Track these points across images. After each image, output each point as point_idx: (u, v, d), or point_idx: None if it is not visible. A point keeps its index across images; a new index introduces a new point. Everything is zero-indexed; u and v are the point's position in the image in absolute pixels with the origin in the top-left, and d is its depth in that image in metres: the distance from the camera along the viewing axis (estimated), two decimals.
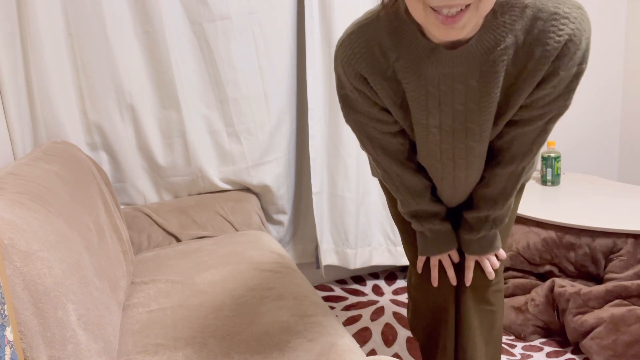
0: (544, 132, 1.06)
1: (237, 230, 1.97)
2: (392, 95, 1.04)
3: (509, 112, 1.02)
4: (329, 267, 2.45)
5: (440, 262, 1.31)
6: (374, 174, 1.39)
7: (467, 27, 0.87)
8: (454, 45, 0.96)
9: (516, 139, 1.07)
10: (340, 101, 1.11)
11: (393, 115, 1.07)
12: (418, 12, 0.88)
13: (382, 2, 1.00)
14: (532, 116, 1.02)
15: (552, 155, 2.24)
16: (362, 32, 1.01)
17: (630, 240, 1.75)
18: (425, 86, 1.00)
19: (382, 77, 1.02)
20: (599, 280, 1.84)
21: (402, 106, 1.05)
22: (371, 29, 1.00)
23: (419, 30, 0.97)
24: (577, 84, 0.97)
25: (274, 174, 2.09)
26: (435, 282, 1.30)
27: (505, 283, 2.00)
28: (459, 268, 1.32)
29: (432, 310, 1.38)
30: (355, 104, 1.08)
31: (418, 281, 1.38)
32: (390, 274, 2.49)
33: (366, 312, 2.15)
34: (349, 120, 1.13)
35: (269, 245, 1.75)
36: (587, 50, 0.94)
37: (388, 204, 1.41)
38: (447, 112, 1.02)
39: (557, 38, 0.91)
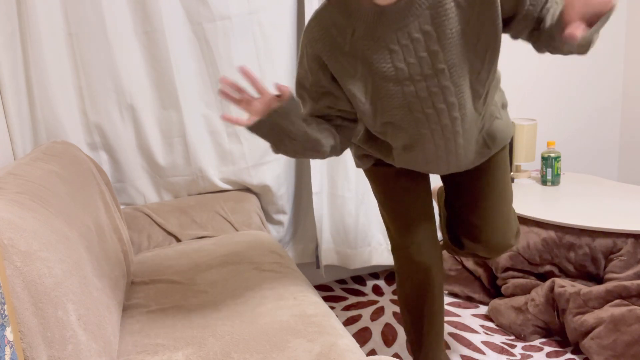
0: None
1: (237, 230, 1.97)
2: (349, 69, 1.15)
3: (484, 37, 1.10)
4: (329, 267, 2.45)
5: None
6: (358, 166, 1.47)
7: None
8: (397, 3, 1.06)
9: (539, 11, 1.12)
10: (295, 80, 1.25)
11: (347, 91, 1.18)
12: None
13: None
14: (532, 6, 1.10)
15: (552, 155, 2.24)
16: (319, 17, 1.15)
17: (630, 240, 1.75)
18: (387, 46, 1.10)
19: (340, 53, 1.14)
20: (599, 280, 1.84)
21: (360, 78, 1.16)
22: (326, 13, 1.14)
23: (363, 1, 1.08)
24: None
25: (274, 174, 2.09)
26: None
27: (505, 283, 2.00)
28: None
29: (417, 271, 1.44)
30: (304, 83, 1.22)
31: (399, 242, 1.43)
32: (390, 274, 2.49)
33: (366, 312, 2.15)
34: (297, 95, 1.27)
35: (269, 245, 1.75)
36: None
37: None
38: (413, 62, 1.11)
39: None
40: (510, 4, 1.09)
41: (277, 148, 1.18)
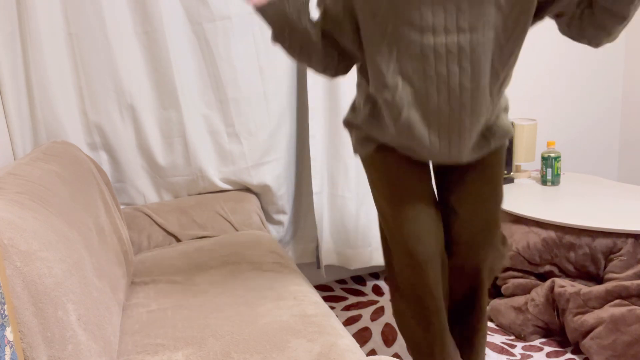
0: None
1: (237, 230, 1.97)
2: (373, 5, 1.18)
3: (517, 9, 1.13)
4: (329, 267, 2.45)
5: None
6: (356, 150, 1.45)
7: None
8: None
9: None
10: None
11: (364, 26, 1.21)
12: None
13: None
14: None
15: (552, 155, 2.24)
16: None
17: (630, 240, 1.75)
18: None
19: None
20: (599, 280, 1.84)
21: (381, 19, 1.18)
22: None
23: None
24: None
25: (274, 174, 2.09)
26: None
27: (505, 283, 2.00)
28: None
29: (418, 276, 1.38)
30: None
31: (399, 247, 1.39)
32: None
33: (366, 312, 2.15)
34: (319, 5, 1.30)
35: (269, 245, 1.75)
36: None
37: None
38: (440, 14, 1.14)
39: None
40: None
41: (276, 37, 1.24)
